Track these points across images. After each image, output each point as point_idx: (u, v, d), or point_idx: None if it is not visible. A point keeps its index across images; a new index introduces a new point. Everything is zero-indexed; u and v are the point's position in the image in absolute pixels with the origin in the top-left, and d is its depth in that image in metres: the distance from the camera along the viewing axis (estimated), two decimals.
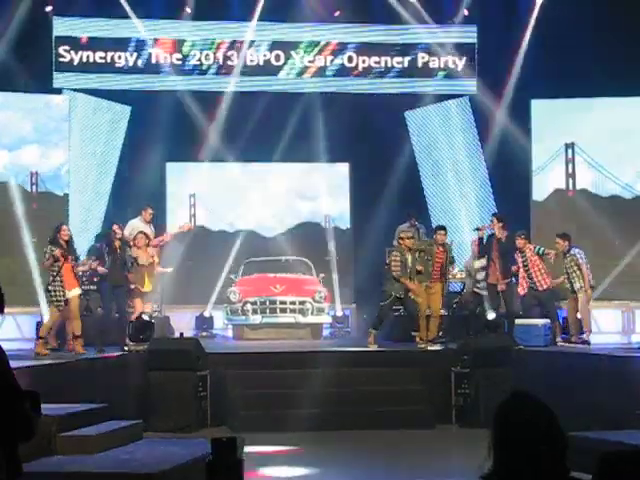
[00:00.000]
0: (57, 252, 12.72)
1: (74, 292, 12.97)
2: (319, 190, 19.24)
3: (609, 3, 16.68)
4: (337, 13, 18.40)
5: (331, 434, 11.51)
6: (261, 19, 18.23)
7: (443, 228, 14.56)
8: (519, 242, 14.09)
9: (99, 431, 9.11)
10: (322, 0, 18.09)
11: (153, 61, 18.11)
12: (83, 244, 15.85)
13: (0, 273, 14.73)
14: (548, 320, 13.80)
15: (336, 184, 19.28)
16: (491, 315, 13.97)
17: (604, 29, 16.59)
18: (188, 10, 17.99)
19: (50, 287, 12.70)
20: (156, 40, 18.14)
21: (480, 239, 14.56)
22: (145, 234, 14.52)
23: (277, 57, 18.47)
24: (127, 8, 17.58)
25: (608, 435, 8.91)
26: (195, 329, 16.97)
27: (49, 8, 17.31)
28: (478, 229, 14.75)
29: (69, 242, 13.01)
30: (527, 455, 2.92)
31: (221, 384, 12.51)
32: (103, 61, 17.90)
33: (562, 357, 12.78)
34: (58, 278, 12.68)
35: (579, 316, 13.93)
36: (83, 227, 17.17)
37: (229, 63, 18.37)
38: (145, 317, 13.70)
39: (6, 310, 4.34)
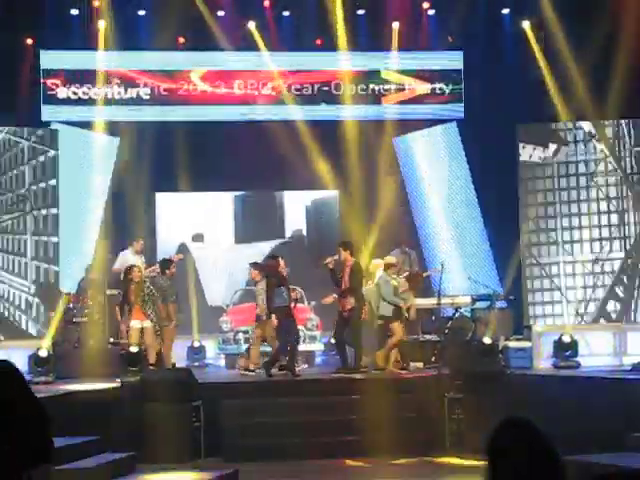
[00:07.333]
0: None
1: None
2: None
3: (595, 26, 16.72)
4: (318, 42, 18.52)
5: (326, 463, 11.47)
6: (248, 48, 18.32)
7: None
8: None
9: (92, 464, 9.07)
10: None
11: (141, 92, 18.13)
12: (77, 276, 15.85)
13: None
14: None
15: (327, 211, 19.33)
16: (487, 340, 13.89)
17: (590, 51, 16.66)
18: (182, 40, 18.12)
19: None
20: (144, 71, 18.18)
21: (332, 270, 14.18)
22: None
23: (262, 85, 18.55)
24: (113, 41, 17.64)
25: (602, 458, 8.90)
26: (187, 359, 16.88)
27: (30, 41, 17.34)
28: (326, 263, 14.16)
29: None
30: None
31: (215, 414, 12.45)
32: (90, 93, 17.91)
33: (556, 381, 12.77)
34: None
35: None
36: (74, 260, 17.05)
37: (216, 92, 18.42)
38: (136, 348, 13.64)
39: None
